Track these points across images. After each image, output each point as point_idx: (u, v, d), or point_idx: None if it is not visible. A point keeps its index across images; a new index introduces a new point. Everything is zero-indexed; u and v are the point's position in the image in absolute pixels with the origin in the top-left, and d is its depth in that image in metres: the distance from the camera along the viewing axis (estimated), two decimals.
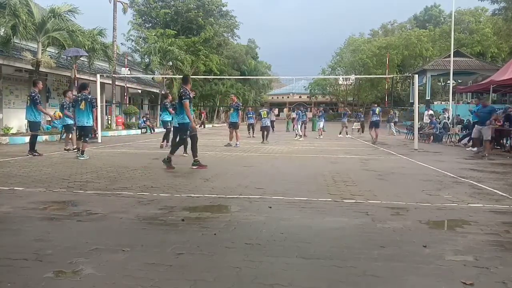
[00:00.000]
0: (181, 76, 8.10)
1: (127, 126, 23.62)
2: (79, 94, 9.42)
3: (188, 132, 7.82)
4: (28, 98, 9.84)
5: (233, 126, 13.48)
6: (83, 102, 9.16)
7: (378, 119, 16.02)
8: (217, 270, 2.68)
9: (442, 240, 3.41)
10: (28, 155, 9.35)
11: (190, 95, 7.84)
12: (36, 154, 9.45)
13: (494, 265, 2.82)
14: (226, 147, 12.74)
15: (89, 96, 9.35)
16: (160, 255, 2.94)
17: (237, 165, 8.46)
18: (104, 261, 2.81)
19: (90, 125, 9.35)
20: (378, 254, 3.03)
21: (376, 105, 17.45)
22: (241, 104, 14.65)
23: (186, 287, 2.42)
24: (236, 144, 13.11)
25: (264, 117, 16.02)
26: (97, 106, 10.01)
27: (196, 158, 7.80)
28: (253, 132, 19.00)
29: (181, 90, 7.79)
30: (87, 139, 9.33)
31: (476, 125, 11.63)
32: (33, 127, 9.89)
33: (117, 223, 3.86)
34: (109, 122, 23.11)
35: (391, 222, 3.96)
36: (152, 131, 23.15)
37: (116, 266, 2.73)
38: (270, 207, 4.54)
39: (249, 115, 20.95)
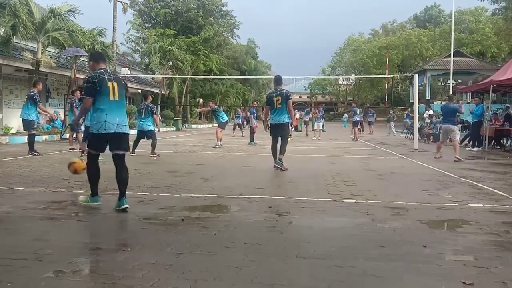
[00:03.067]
0: (275, 76, 8.01)
1: None
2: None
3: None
4: (27, 97, 9.82)
5: (221, 126, 13.38)
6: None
7: (359, 119, 18.05)
8: (217, 270, 2.68)
9: (442, 240, 3.41)
10: (28, 155, 9.35)
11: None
12: (36, 154, 9.44)
13: (494, 265, 2.82)
14: (225, 147, 12.76)
15: None
16: (160, 255, 2.94)
17: (237, 165, 8.47)
18: (104, 261, 2.81)
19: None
20: (378, 254, 3.03)
21: (355, 106, 19.46)
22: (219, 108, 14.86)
23: (186, 287, 2.42)
24: (219, 144, 12.87)
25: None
26: None
27: (282, 157, 7.76)
28: (241, 131, 20.27)
29: (285, 90, 7.86)
30: None
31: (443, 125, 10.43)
32: (26, 126, 9.84)
33: (117, 223, 3.86)
34: None
35: (391, 222, 3.96)
36: None
37: (116, 266, 2.73)
38: (270, 207, 4.54)
39: (236, 115, 21.62)
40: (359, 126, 18.79)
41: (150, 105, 10.16)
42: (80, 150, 9.21)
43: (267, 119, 8.17)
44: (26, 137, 10.29)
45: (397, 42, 48.65)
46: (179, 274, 2.60)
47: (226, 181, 6.34)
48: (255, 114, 16.02)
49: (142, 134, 10.09)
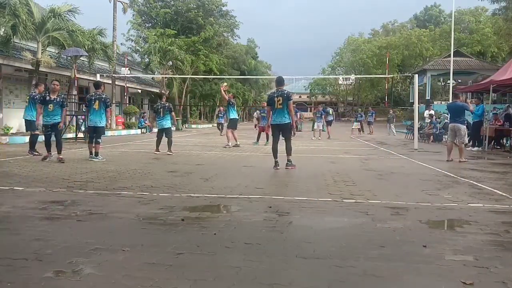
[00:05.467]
0: (277, 77, 8.13)
1: (127, 126, 23.62)
2: (92, 93, 9.17)
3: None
4: (28, 97, 9.92)
5: (231, 126, 13.05)
6: (97, 101, 8.86)
7: (332, 118, 18.93)
8: (217, 269, 2.68)
9: (442, 240, 3.41)
10: (27, 155, 9.36)
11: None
12: (36, 153, 9.44)
13: (494, 265, 2.82)
14: (226, 147, 12.59)
15: (103, 95, 9.08)
16: (160, 255, 2.94)
17: (237, 165, 8.46)
18: (104, 261, 2.81)
19: (102, 125, 9.05)
20: (378, 254, 3.03)
21: (328, 107, 20.30)
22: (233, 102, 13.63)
23: (186, 287, 2.42)
24: (228, 145, 12.66)
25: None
26: (111, 105, 9.95)
27: (290, 158, 7.92)
28: (221, 131, 20.66)
29: (286, 91, 8.05)
30: (99, 140, 9.00)
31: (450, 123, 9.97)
32: (30, 127, 9.94)
33: (117, 223, 3.86)
34: (109, 122, 23.08)
35: (391, 222, 3.96)
36: (151, 130, 23.14)
37: (116, 266, 2.73)
38: (270, 207, 4.54)
39: (220, 115, 21.68)
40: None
41: (167, 104, 10.79)
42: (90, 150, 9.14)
43: (269, 119, 8.27)
44: (29, 136, 10.31)
45: (397, 42, 48.64)
46: (179, 274, 2.60)
47: (226, 181, 6.34)
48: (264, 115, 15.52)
49: (161, 132, 10.61)
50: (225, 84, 14.67)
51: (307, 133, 20.75)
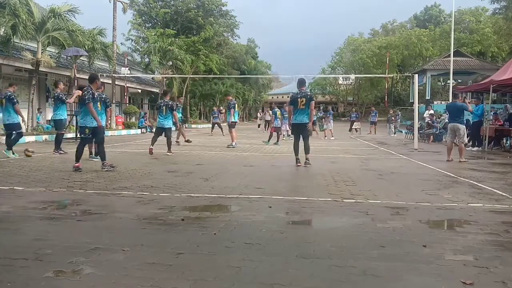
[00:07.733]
0: (298, 79, 8.41)
1: (127, 126, 23.63)
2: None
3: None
4: (53, 98, 10.33)
5: (231, 126, 13.01)
6: (98, 101, 8.65)
7: (316, 118, 18.84)
8: (217, 269, 2.68)
9: (442, 240, 3.42)
10: (53, 153, 9.51)
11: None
12: (62, 152, 9.52)
13: (494, 265, 2.82)
14: (230, 147, 12.48)
15: (103, 95, 8.92)
16: (160, 255, 2.94)
17: (237, 165, 8.46)
18: (104, 261, 2.81)
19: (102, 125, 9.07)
20: (378, 254, 3.03)
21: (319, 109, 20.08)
22: (234, 102, 13.58)
23: (186, 287, 2.42)
24: (233, 145, 12.56)
25: (278, 117, 14.79)
26: (111, 105, 9.90)
27: (308, 157, 8.12)
28: (221, 131, 19.99)
29: (309, 92, 8.32)
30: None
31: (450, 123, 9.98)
32: (58, 126, 10.17)
33: (117, 223, 3.86)
34: (109, 122, 23.09)
35: (391, 222, 3.96)
36: (152, 130, 23.14)
37: (116, 266, 2.73)
38: (270, 207, 4.54)
39: (214, 115, 21.65)
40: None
41: (170, 102, 10.56)
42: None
43: (290, 118, 8.52)
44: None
45: (397, 42, 48.67)
46: (179, 274, 2.60)
47: (226, 181, 6.34)
48: (277, 115, 15.14)
49: (161, 130, 10.41)
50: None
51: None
